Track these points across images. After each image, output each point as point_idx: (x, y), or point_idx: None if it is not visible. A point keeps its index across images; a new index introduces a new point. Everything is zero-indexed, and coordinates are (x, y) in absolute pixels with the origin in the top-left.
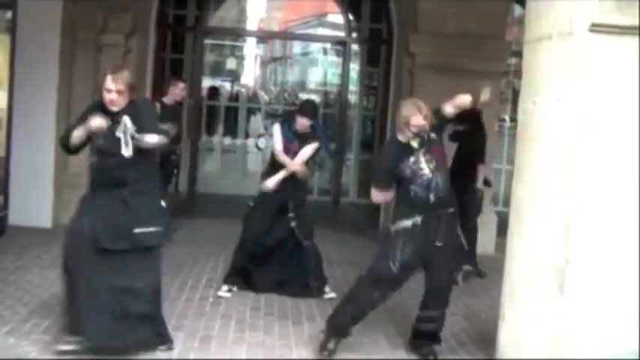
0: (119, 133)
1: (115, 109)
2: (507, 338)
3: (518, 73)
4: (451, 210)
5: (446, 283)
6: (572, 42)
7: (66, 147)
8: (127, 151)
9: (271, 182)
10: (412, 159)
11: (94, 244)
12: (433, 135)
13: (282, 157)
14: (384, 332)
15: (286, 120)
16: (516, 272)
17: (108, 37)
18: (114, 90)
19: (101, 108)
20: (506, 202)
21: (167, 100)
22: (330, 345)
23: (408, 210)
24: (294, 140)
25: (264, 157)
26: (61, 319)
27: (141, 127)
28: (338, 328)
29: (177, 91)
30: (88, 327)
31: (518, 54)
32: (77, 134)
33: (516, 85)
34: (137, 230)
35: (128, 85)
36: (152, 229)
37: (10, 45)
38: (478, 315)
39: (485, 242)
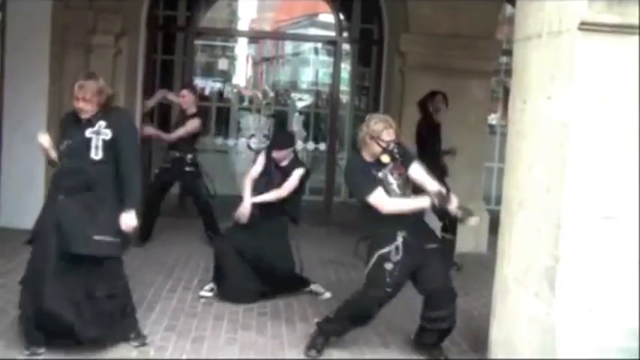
0: (90, 135)
1: (85, 115)
2: (499, 336)
3: (509, 72)
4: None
5: (444, 281)
6: (562, 41)
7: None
8: (96, 154)
9: None
10: (380, 175)
11: (59, 249)
12: (397, 152)
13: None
14: (376, 331)
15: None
16: (507, 270)
17: (98, 38)
18: (80, 98)
19: (73, 117)
20: (498, 201)
21: None
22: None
23: (390, 229)
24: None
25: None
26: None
27: (120, 138)
28: (328, 333)
29: None
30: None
31: (510, 53)
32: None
33: (507, 84)
34: (97, 237)
35: (95, 93)
36: (110, 238)
37: (0, 46)
38: (470, 313)
39: (477, 240)
